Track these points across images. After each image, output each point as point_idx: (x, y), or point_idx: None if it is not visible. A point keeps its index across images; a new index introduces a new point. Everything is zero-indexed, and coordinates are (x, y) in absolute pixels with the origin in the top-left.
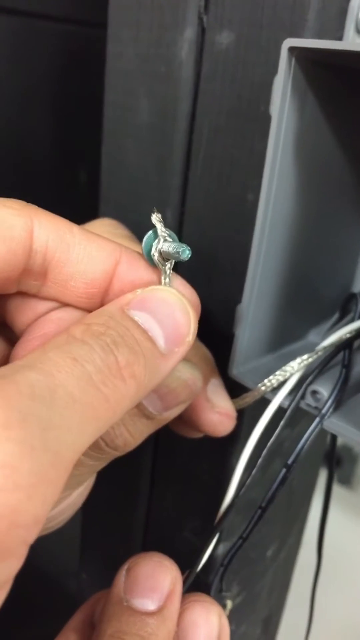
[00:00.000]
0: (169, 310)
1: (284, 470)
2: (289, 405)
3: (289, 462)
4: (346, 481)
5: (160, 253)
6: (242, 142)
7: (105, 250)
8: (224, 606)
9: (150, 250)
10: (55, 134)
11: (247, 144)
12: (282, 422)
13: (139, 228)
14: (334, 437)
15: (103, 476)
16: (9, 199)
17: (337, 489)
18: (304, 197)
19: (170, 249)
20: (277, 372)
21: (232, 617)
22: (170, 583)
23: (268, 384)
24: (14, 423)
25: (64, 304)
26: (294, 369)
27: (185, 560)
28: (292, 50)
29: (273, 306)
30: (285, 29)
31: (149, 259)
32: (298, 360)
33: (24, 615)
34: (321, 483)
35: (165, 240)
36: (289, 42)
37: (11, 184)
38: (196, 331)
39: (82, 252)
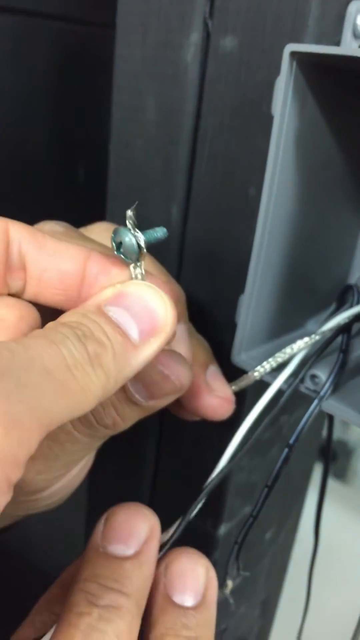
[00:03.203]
0: (143, 304)
1: (286, 450)
2: (288, 388)
3: (291, 441)
4: (340, 475)
5: (124, 247)
6: (245, 140)
7: (74, 247)
8: (225, 586)
9: (117, 247)
10: (53, 132)
11: (250, 142)
12: (282, 400)
13: (146, 223)
14: (330, 427)
15: (107, 463)
16: None
17: (331, 483)
18: (303, 192)
19: (146, 236)
20: (276, 354)
21: (232, 598)
22: (148, 530)
23: (267, 365)
24: None
25: (44, 304)
26: (293, 350)
27: (190, 544)
28: (293, 54)
29: (273, 296)
30: (286, 34)
31: (118, 255)
32: (298, 342)
33: (30, 604)
34: (316, 476)
35: (136, 233)
36: (291, 47)
37: (9, 182)
38: (175, 320)
39: (52, 247)
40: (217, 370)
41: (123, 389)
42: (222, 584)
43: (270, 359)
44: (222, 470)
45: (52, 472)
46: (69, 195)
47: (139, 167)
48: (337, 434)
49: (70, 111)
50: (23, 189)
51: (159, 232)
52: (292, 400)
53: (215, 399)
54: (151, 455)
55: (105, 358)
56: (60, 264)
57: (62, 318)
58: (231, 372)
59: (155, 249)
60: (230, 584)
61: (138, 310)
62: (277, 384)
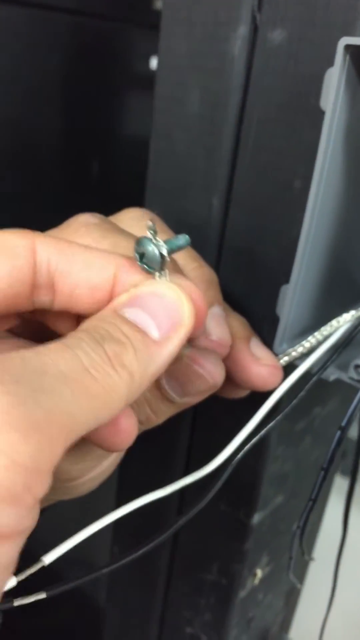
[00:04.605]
0: (158, 300)
1: (339, 432)
2: (318, 370)
3: (343, 424)
4: (349, 472)
5: (147, 258)
6: (291, 132)
7: (104, 258)
8: (254, 575)
9: (140, 257)
10: (67, 125)
11: (296, 134)
12: (313, 379)
13: (185, 213)
14: None
15: (139, 452)
16: (10, 229)
17: (339, 480)
18: (349, 185)
19: (168, 245)
20: (322, 328)
21: (260, 587)
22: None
23: (312, 339)
24: (6, 381)
25: (76, 314)
26: (339, 323)
27: (223, 533)
28: (347, 48)
29: (315, 287)
30: (337, 27)
31: (141, 265)
32: (344, 315)
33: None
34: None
35: (158, 242)
36: (345, 41)
37: (22, 176)
38: (193, 313)
39: (82, 261)
40: (260, 342)
41: (157, 386)
42: (252, 572)
43: (315, 333)
44: (248, 441)
45: (86, 463)
46: (82, 188)
47: (179, 158)
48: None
49: (83, 104)
50: (36, 182)
51: (181, 240)
52: (324, 391)
53: (264, 367)
54: (184, 445)
55: (126, 357)
56: (91, 278)
57: (81, 325)
58: None
59: (194, 241)
60: (259, 572)
61: (154, 307)
62: (306, 366)
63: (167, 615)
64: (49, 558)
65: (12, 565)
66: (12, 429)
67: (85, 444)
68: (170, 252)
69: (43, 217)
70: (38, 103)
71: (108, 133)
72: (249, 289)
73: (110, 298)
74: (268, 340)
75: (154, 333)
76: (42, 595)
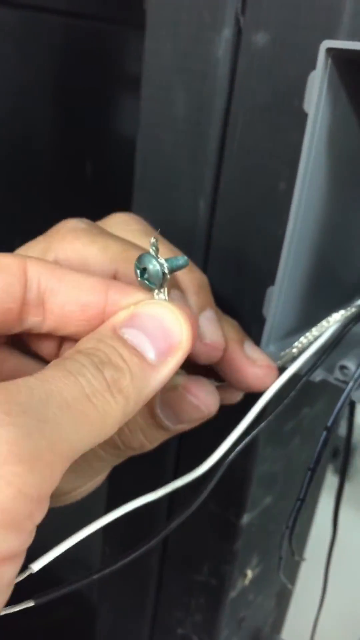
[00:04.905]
0: (157, 323)
1: (324, 433)
2: (307, 371)
3: (329, 424)
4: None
5: (149, 274)
6: (275, 134)
7: (94, 278)
8: (244, 576)
9: (141, 273)
10: (59, 125)
11: (281, 136)
12: (302, 379)
13: (172, 214)
14: (350, 419)
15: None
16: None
17: (332, 479)
18: (332, 186)
19: (169, 263)
20: (312, 329)
21: (251, 587)
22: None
23: (304, 340)
24: (15, 412)
25: (67, 335)
26: (330, 323)
27: (213, 534)
28: (329, 51)
29: (301, 288)
30: (320, 30)
31: (142, 281)
32: (334, 315)
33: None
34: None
35: (160, 260)
36: (327, 44)
37: (16, 176)
38: (190, 337)
39: (72, 281)
40: (253, 344)
41: (151, 415)
42: (243, 573)
43: (307, 333)
44: (240, 441)
45: (79, 481)
46: (75, 188)
47: (166, 160)
48: (339, 430)
49: (76, 105)
50: (29, 182)
51: (181, 260)
52: (313, 392)
53: (259, 368)
54: (174, 447)
55: (123, 382)
56: (81, 297)
57: (79, 345)
58: None
59: (181, 241)
60: (249, 573)
61: (153, 330)
62: (295, 367)
63: (159, 616)
64: (37, 565)
65: (12, 585)
66: (20, 461)
67: (82, 462)
68: (171, 271)
69: (36, 217)
70: (30, 104)
71: (101, 133)
72: (236, 290)
73: (102, 317)
74: (256, 341)
75: (150, 355)
76: (30, 604)
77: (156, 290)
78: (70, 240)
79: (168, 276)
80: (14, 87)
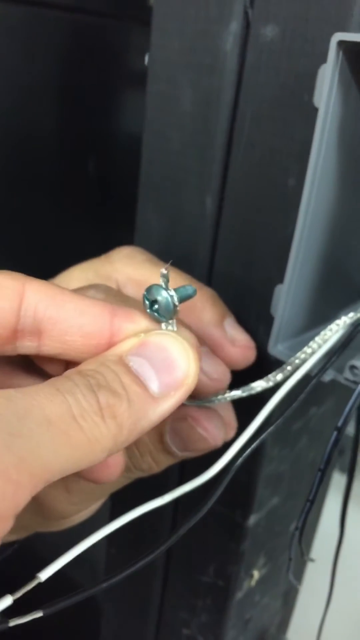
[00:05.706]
0: (165, 355)
1: (335, 433)
2: (317, 373)
3: (339, 425)
4: (346, 469)
5: (159, 306)
6: (284, 129)
7: (98, 305)
8: (251, 576)
9: (150, 305)
10: (63, 122)
11: (289, 131)
12: (313, 381)
13: (178, 212)
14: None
15: None
16: (2, 271)
17: (337, 477)
18: (342, 182)
19: (178, 294)
20: (321, 332)
21: (257, 588)
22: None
23: (314, 345)
24: None
25: (69, 360)
26: (339, 326)
27: (219, 535)
28: (340, 44)
29: (310, 287)
30: (330, 22)
31: (151, 313)
32: (343, 318)
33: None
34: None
35: (170, 292)
36: (339, 36)
37: (19, 173)
38: (196, 373)
39: (74, 309)
40: (233, 321)
41: (160, 440)
42: (249, 574)
43: (316, 338)
44: (248, 445)
45: (85, 503)
46: (78, 185)
47: (172, 156)
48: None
49: (80, 102)
50: (32, 180)
51: (190, 290)
52: (320, 391)
53: (237, 348)
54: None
55: (118, 409)
56: (84, 325)
57: (81, 365)
58: (266, 366)
59: (188, 239)
60: (256, 574)
61: (159, 361)
62: (305, 369)
63: (164, 616)
64: (45, 574)
65: None
66: None
67: (85, 487)
68: (180, 301)
69: (38, 215)
70: (33, 101)
71: (104, 130)
72: (243, 288)
73: (106, 344)
74: (264, 341)
75: (153, 387)
76: (39, 614)
77: (164, 323)
78: (135, 267)
79: (178, 308)
80: (18, 83)
